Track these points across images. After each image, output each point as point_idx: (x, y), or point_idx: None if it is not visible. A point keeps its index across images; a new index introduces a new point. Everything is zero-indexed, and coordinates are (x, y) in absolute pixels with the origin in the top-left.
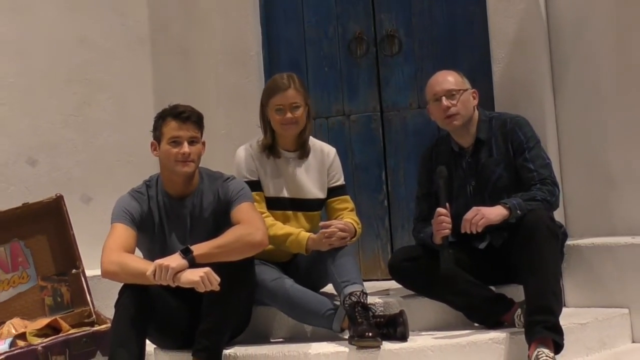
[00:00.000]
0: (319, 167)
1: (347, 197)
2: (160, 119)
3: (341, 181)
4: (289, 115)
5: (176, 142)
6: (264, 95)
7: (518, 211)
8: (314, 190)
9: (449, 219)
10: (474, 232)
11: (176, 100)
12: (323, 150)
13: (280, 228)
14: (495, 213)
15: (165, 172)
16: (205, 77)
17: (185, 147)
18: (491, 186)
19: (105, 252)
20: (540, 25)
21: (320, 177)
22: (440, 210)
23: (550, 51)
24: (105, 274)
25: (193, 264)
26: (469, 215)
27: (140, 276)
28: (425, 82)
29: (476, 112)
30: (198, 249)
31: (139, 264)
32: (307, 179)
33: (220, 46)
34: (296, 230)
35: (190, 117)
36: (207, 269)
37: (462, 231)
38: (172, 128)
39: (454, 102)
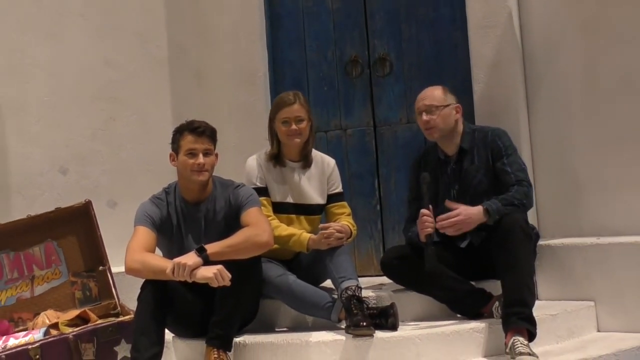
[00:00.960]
0: (320, 176)
1: (345, 203)
2: (178, 133)
3: (339, 189)
4: (294, 127)
5: (192, 153)
6: (272, 110)
7: (496, 215)
8: (315, 196)
9: (431, 219)
10: (454, 233)
11: (192, 116)
12: (324, 160)
13: (284, 229)
14: (473, 216)
15: (182, 181)
16: (217, 95)
17: (200, 159)
18: (472, 190)
19: (129, 251)
20: (516, 49)
21: (321, 185)
22: (423, 211)
23: (525, 72)
24: (129, 271)
25: (207, 261)
26: (447, 216)
27: (160, 273)
28: (414, 100)
29: (460, 124)
30: (211, 247)
31: (159, 262)
32: (309, 187)
33: (231, 68)
34: (298, 232)
35: (205, 132)
36: (220, 266)
37: (440, 230)
38: (188, 141)
39: (433, 116)
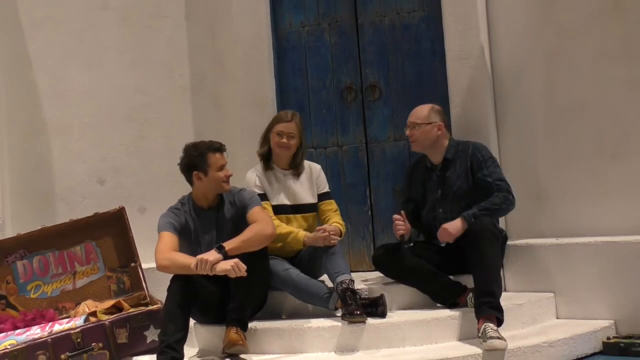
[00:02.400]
0: (309, 180)
1: (332, 201)
2: (202, 155)
3: (326, 189)
4: (284, 140)
5: (222, 167)
6: (272, 121)
7: (472, 219)
8: (307, 197)
9: (402, 223)
10: (450, 242)
11: (210, 135)
12: (311, 167)
13: (283, 228)
14: (456, 228)
15: (204, 191)
16: (232, 117)
17: (229, 171)
18: (452, 194)
19: (158, 252)
20: (487, 77)
21: (311, 187)
22: (395, 216)
23: (494, 97)
24: (160, 267)
25: (226, 257)
26: (440, 234)
27: (186, 268)
28: (400, 122)
29: (445, 139)
30: (228, 244)
31: (185, 259)
32: (301, 190)
33: (244, 94)
34: (295, 230)
35: (223, 147)
36: (236, 259)
37: (442, 243)
38: (217, 159)
39: (415, 132)
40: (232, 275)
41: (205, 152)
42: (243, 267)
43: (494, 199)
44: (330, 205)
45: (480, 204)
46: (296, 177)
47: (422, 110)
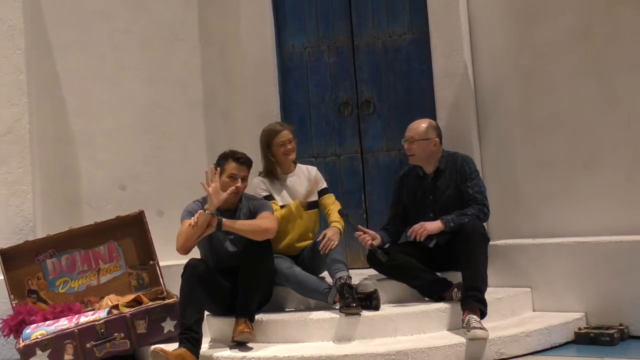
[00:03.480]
0: (309, 181)
1: (331, 194)
2: (223, 158)
3: (325, 185)
4: (289, 147)
5: (233, 177)
6: (268, 138)
7: (451, 224)
8: (310, 197)
9: (365, 235)
10: (419, 239)
11: (220, 146)
12: (309, 169)
13: (280, 212)
14: (434, 227)
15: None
16: (240, 130)
17: (239, 182)
18: (442, 200)
19: (180, 237)
20: (470, 93)
21: (310, 187)
22: (356, 234)
23: (477, 111)
24: (181, 249)
25: (220, 226)
26: (415, 227)
27: (189, 231)
28: (392, 134)
29: (439, 152)
30: (226, 220)
31: (185, 226)
32: (302, 190)
33: (251, 108)
34: (288, 205)
35: (245, 162)
36: (214, 185)
37: (412, 238)
38: (232, 167)
39: (413, 146)
40: (212, 193)
41: (228, 157)
42: (217, 186)
43: (470, 209)
44: (330, 199)
45: (458, 212)
46: (296, 178)
47: (420, 127)
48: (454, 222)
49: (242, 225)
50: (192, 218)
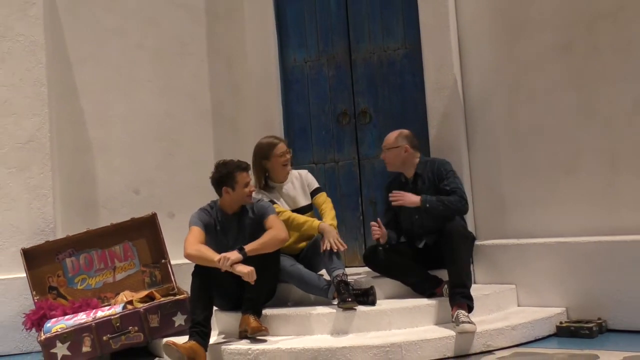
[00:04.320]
0: (302, 186)
1: (323, 193)
2: (231, 173)
3: (316, 185)
4: (287, 157)
5: (247, 184)
6: (263, 152)
7: (427, 204)
8: (302, 200)
9: (377, 229)
10: (395, 203)
11: (227, 154)
12: (300, 173)
13: (300, 218)
14: (412, 200)
15: (231, 202)
16: (246, 138)
17: (252, 187)
18: None
19: (188, 243)
20: (459, 105)
21: (304, 191)
22: (372, 223)
23: (465, 121)
24: (188, 256)
25: (245, 256)
26: (397, 193)
27: (210, 261)
28: None
29: (415, 158)
30: (249, 246)
31: (210, 253)
32: (296, 195)
33: (256, 118)
34: (310, 219)
35: (248, 167)
36: (252, 268)
37: (391, 199)
38: (244, 177)
39: (385, 155)
40: (245, 279)
41: (233, 171)
42: (254, 277)
43: (450, 197)
44: (321, 197)
45: (440, 197)
46: (290, 186)
47: (391, 137)
48: (430, 203)
49: (262, 245)
50: (217, 258)
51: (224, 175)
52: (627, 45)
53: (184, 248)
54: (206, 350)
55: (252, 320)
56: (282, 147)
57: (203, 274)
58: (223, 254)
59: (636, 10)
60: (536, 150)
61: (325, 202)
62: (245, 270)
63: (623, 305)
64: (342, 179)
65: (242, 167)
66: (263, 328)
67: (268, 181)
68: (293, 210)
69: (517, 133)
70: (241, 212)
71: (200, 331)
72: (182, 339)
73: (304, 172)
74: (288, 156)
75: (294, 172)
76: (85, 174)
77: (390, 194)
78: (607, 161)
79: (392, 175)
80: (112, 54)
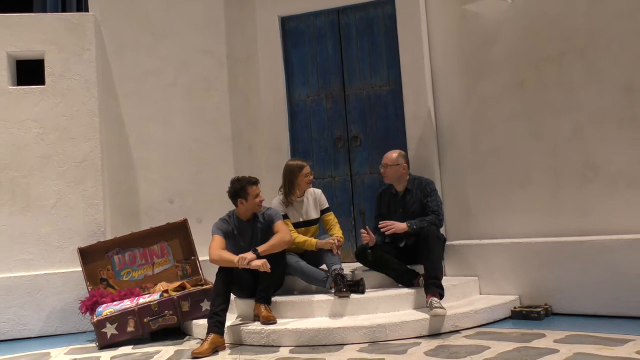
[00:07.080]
0: (315, 201)
1: (331, 212)
2: (244, 188)
3: (327, 205)
4: (311, 177)
5: (257, 195)
6: (294, 171)
7: (414, 227)
8: (313, 214)
9: (366, 235)
10: (386, 233)
11: (245, 171)
12: (315, 191)
13: (300, 238)
14: (401, 227)
15: (245, 210)
16: (260, 159)
17: (262, 197)
18: (409, 213)
19: (211, 249)
20: (432, 131)
21: (316, 207)
22: (362, 230)
23: (438, 144)
24: (212, 260)
25: (258, 256)
26: (387, 222)
27: (230, 262)
28: (374, 161)
29: (407, 175)
30: (260, 248)
31: (230, 256)
32: (309, 209)
33: (268, 142)
34: (309, 239)
35: (258, 181)
36: (264, 260)
37: (382, 229)
38: (254, 190)
39: (387, 170)
40: (261, 270)
41: (245, 185)
42: (268, 266)
43: (429, 217)
44: (330, 216)
45: (420, 218)
46: (306, 201)
47: (392, 155)
48: (416, 225)
49: (271, 246)
50: (236, 259)
51: (238, 189)
52: (569, 83)
53: (209, 254)
54: (223, 336)
55: (263, 310)
56: (307, 168)
57: (225, 272)
58: (240, 255)
59: (576, 55)
60: (495, 168)
61: (333, 219)
62: (259, 263)
63: (565, 293)
64: (338, 191)
65: (252, 181)
66: (272, 317)
67: (289, 196)
68: (304, 221)
69: (480, 154)
70: (254, 219)
71: (217, 321)
72: (202, 326)
73: (319, 192)
74: (311, 177)
75: (310, 190)
76: (129, 187)
77: (379, 224)
78: (552, 177)
79: (382, 186)
80: (151, 90)
